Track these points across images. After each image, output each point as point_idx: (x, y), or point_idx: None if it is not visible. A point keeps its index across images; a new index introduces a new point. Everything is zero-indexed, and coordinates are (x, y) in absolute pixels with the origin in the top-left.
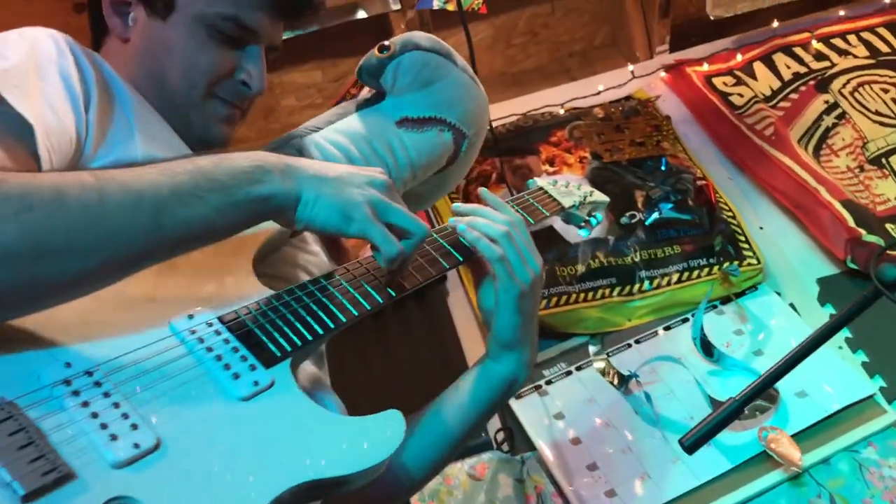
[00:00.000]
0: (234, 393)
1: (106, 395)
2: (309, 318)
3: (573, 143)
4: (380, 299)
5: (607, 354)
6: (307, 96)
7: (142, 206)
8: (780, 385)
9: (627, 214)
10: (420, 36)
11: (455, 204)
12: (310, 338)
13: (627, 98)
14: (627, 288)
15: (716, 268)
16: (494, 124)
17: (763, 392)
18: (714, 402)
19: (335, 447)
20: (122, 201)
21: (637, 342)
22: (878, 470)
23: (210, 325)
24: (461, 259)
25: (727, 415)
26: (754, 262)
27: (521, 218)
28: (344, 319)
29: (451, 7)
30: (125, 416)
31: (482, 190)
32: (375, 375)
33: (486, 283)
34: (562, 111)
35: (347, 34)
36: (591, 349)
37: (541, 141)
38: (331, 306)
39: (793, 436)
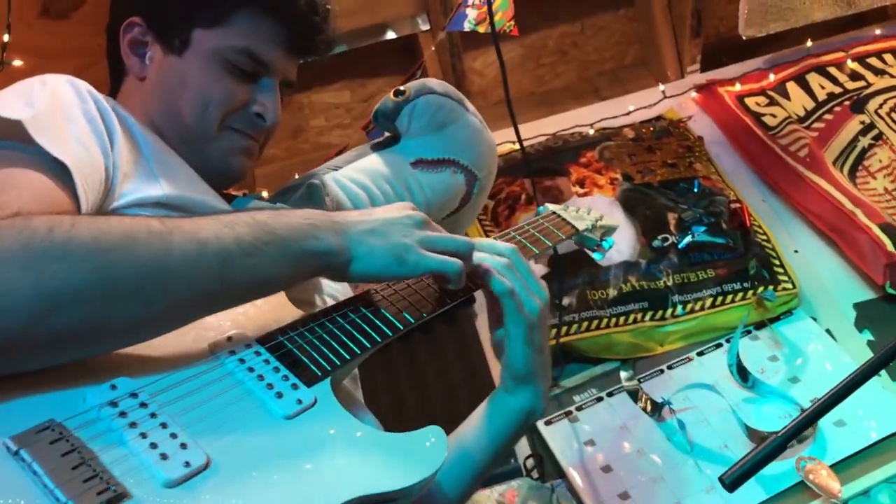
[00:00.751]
0: (279, 412)
1: (153, 415)
2: (345, 338)
3: (603, 164)
4: (412, 319)
5: (639, 380)
6: (336, 116)
7: (206, 255)
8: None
9: (660, 238)
10: (434, 82)
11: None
12: (348, 357)
13: (658, 118)
14: (660, 312)
15: (750, 292)
16: (524, 144)
17: (808, 427)
18: (750, 431)
19: (383, 462)
20: (188, 249)
21: (670, 368)
22: None
23: (249, 346)
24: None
25: (771, 450)
26: (789, 286)
27: (515, 247)
28: (379, 340)
29: (481, 29)
30: (174, 435)
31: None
32: (405, 398)
33: (497, 315)
34: (591, 131)
35: (376, 55)
36: (623, 375)
37: (570, 161)
38: (365, 327)
39: (832, 466)
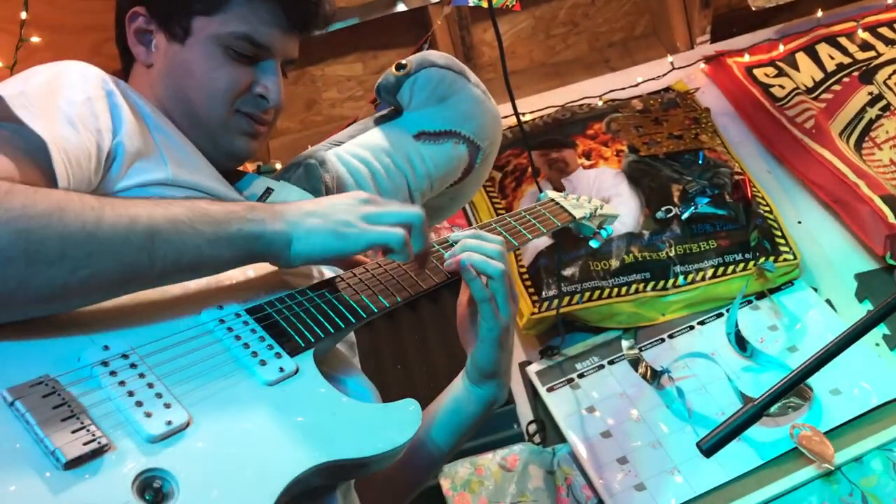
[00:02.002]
0: (261, 378)
1: (141, 375)
2: (331, 313)
3: (610, 136)
4: (398, 298)
5: (640, 349)
6: (348, 88)
7: (135, 229)
8: (814, 382)
9: (663, 209)
10: (435, 55)
11: (453, 234)
12: (332, 330)
13: (667, 89)
14: (661, 283)
15: (751, 263)
16: (532, 116)
17: (787, 393)
18: (745, 398)
19: (356, 431)
20: (118, 222)
21: (671, 337)
22: None
23: (238, 315)
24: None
25: (748, 417)
26: (790, 257)
27: (505, 250)
28: (365, 315)
29: (484, 4)
30: (159, 395)
31: (455, 236)
32: (386, 370)
33: (470, 311)
34: (600, 103)
35: (388, 27)
36: (625, 343)
37: (578, 134)
38: (351, 302)
39: (826, 433)
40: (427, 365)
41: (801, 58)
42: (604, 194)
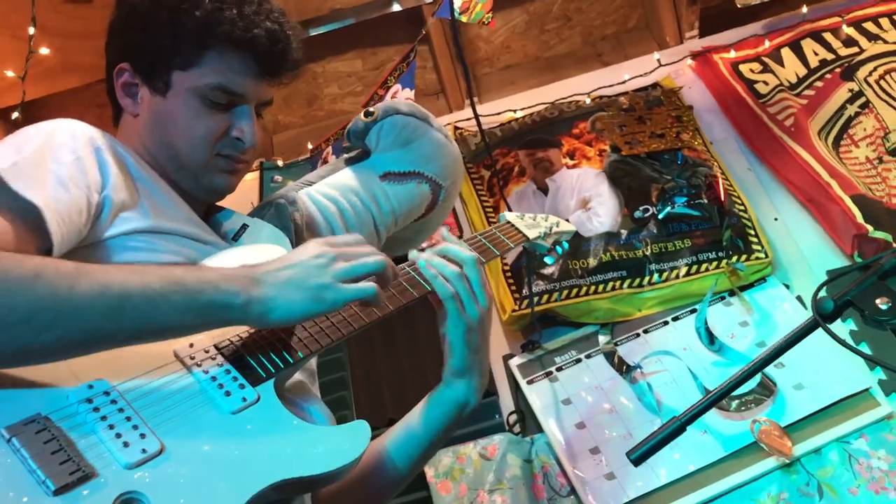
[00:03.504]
0: (226, 408)
1: (121, 410)
2: (292, 344)
3: (594, 136)
4: (354, 326)
5: (616, 343)
6: (348, 84)
7: (105, 297)
8: (779, 377)
9: (641, 209)
10: (400, 103)
11: (414, 252)
12: (291, 361)
13: (654, 86)
14: (637, 280)
15: (724, 262)
16: (522, 114)
17: (707, 411)
18: (707, 392)
19: (307, 452)
20: (90, 290)
21: (646, 332)
22: (867, 461)
23: (207, 351)
24: (428, 289)
25: (669, 433)
26: (762, 255)
27: (475, 256)
28: (322, 344)
29: (464, 18)
30: (135, 427)
31: (443, 230)
32: (378, 367)
33: (442, 316)
34: (588, 100)
35: (385, 25)
36: (601, 338)
37: (564, 133)
38: (311, 333)
39: (788, 426)
40: (416, 360)
41: (786, 53)
42: (585, 194)
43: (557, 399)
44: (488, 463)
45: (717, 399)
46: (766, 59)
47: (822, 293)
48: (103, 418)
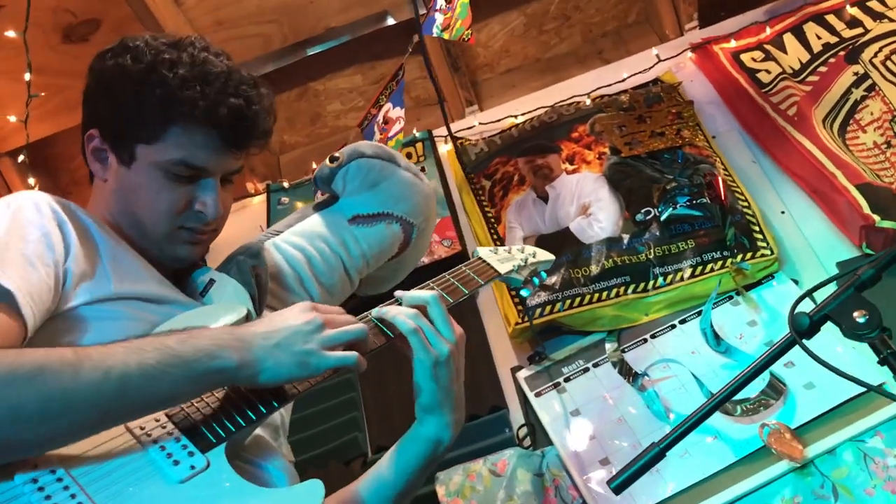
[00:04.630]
0: (174, 477)
1: (65, 488)
2: (244, 407)
3: (594, 139)
4: (309, 383)
5: (623, 350)
6: (350, 99)
7: (109, 380)
8: (788, 376)
9: (643, 211)
10: (365, 145)
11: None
12: (243, 424)
13: (655, 82)
14: (642, 285)
15: (729, 261)
16: (521, 119)
17: (686, 435)
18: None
19: None
20: (94, 377)
21: (653, 337)
22: (883, 459)
23: (157, 420)
24: (391, 336)
25: (648, 459)
26: (768, 252)
27: (436, 295)
28: (276, 405)
29: (446, 35)
30: None
31: (397, 293)
32: (391, 392)
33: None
34: (588, 101)
35: (381, 39)
36: (608, 346)
37: (563, 138)
38: (266, 393)
39: (799, 427)
40: None
41: (789, 39)
42: (584, 200)
43: (566, 410)
44: (498, 479)
45: (694, 423)
46: (767, 47)
47: (799, 309)
48: (47, 497)
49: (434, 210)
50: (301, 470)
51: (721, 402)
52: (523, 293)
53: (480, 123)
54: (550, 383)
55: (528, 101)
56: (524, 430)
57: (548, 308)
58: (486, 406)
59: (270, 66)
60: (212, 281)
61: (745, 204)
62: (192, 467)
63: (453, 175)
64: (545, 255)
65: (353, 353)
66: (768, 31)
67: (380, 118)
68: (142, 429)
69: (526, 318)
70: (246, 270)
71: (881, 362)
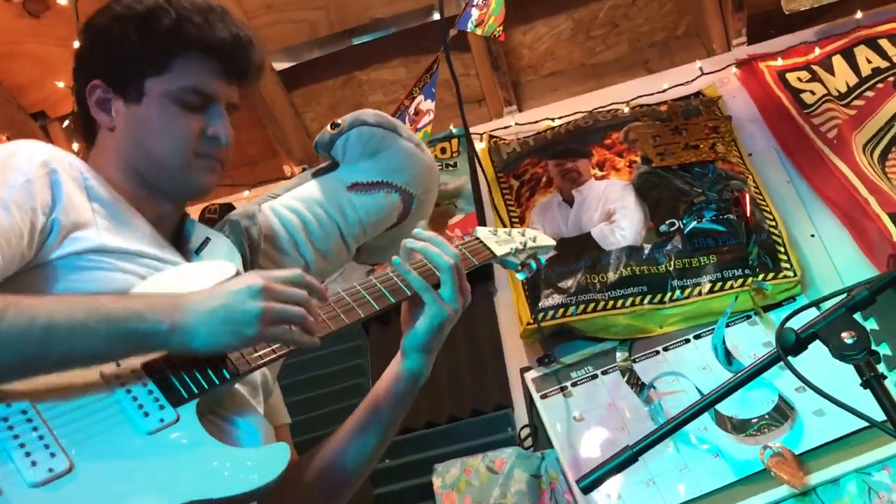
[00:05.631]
0: (143, 428)
1: (34, 429)
2: (220, 366)
3: (626, 146)
4: (275, 352)
5: (633, 360)
6: (392, 91)
7: (33, 327)
8: (798, 401)
9: (667, 222)
10: (368, 113)
11: (409, 240)
12: (217, 382)
13: (697, 94)
14: (658, 296)
15: (750, 279)
16: (557, 122)
17: (660, 441)
18: (718, 417)
19: (219, 474)
20: (16, 321)
21: (665, 349)
22: (889, 494)
23: (134, 371)
24: (393, 301)
25: (621, 462)
26: (791, 274)
27: (457, 255)
28: (251, 366)
29: (479, 31)
30: (46, 446)
31: (418, 231)
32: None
33: (415, 312)
34: (626, 109)
35: (425, 33)
36: (619, 355)
37: (595, 143)
38: (242, 355)
39: (804, 453)
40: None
41: (838, 61)
42: (609, 206)
43: (570, 414)
44: (495, 476)
45: (669, 431)
46: (815, 68)
47: (787, 325)
48: (15, 437)
49: (436, 182)
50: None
51: (694, 414)
52: (518, 277)
53: (517, 124)
54: (557, 386)
55: (567, 105)
56: (526, 431)
57: (560, 311)
58: (491, 403)
59: (317, 52)
60: (207, 240)
61: (773, 223)
62: (162, 420)
63: (485, 173)
64: (545, 241)
65: (288, 334)
66: (817, 51)
67: (412, 110)
68: (117, 378)
69: (538, 319)
70: (238, 230)
71: (864, 385)
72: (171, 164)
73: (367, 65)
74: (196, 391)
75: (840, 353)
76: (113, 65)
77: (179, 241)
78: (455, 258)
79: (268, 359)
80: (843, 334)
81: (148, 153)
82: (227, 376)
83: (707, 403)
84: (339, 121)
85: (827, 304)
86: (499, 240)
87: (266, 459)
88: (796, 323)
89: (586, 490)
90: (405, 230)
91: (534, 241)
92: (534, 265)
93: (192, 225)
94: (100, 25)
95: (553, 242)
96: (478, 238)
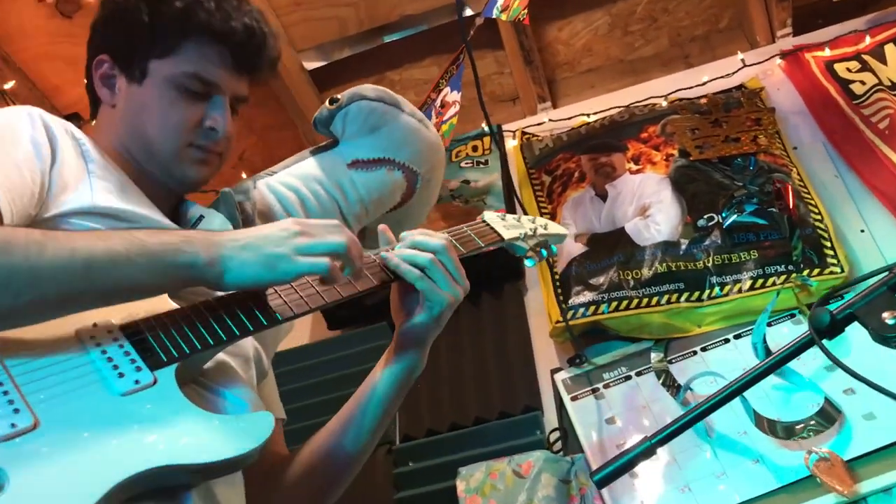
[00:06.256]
0: (116, 389)
1: (0, 384)
2: (203, 330)
3: (663, 140)
4: (278, 316)
5: (669, 361)
6: (424, 91)
7: (74, 260)
8: (847, 405)
9: (705, 217)
10: (367, 88)
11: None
12: (198, 346)
13: (739, 87)
14: (696, 294)
15: (793, 275)
16: (594, 118)
17: (681, 432)
18: (757, 417)
19: (195, 440)
20: (60, 254)
21: (704, 350)
22: None
23: (110, 331)
24: (392, 278)
25: (637, 454)
26: (837, 270)
27: (446, 242)
28: (237, 332)
29: (504, 16)
30: (11, 401)
31: (404, 233)
32: (439, 362)
33: (409, 300)
34: (664, 103)
35: (456, 31)
36: (654, 355)
37: (631, 137)
38: (227, 321)
39: (854, 459)
40: (477, 359)
41: (890, 50)
42: (644, 201)
43: (601, 417)
44: (521, 481)
45: (691, 420)
46: (865, 57)
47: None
48: None
49: (442, 161)
50: None
51: (720, 402)
52: (527, 263)
53: (551, 120)
54: (589, 388)
55: (603, 101)
56: (556, 434)
57: (592, 308)
58: (519, 405)
59: (347, 51)
60: (201, 216)
61: (818, 217)
62: (137, 382)
63: (517, 170)
64: (557, 229)
65: (325, 260)
66: (868, 40)
67: (438, 102)
68: (92, 338)
69: (568, 317)
70: (231, 202)
71: None
72: (162, 150)
73: (398, 64)
74: (176, 354)
75: (881, 335)
76: (121, 41)
77: (175, 220)
78: (438, 248)
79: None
80: (885, 315)
81: (141, 136)
82: (211, 342)
83: (734, 390)
84: (338, 96)
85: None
86: (507, 224)
87: (245, 428)
88: None
89: (601, 484)
90: (411, 211)
91: (545, 228)
92: (544, 252)
93: (187, 205)
94: (117, 0)
95: (566, 231)
96: (485, 221)
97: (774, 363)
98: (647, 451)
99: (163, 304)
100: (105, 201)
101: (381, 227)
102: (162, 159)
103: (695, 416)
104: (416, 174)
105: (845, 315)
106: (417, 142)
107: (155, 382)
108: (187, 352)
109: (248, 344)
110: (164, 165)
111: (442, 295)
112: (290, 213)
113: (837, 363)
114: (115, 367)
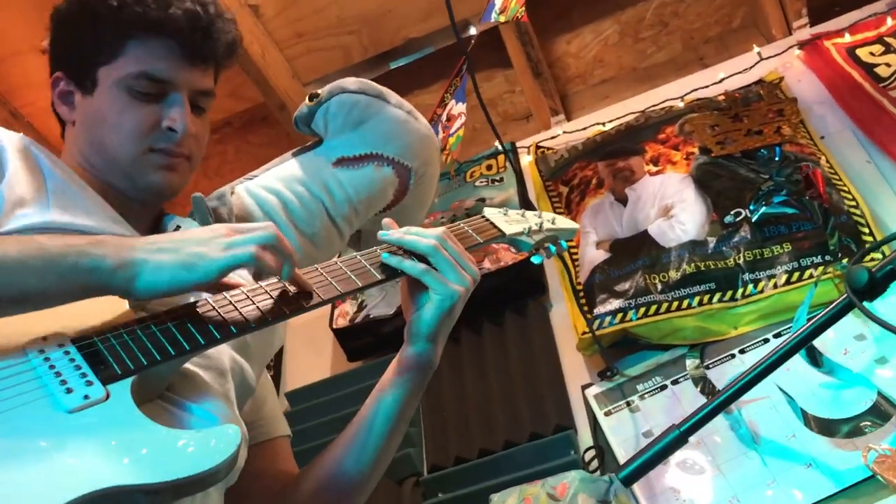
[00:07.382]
0: (63, 405)
1: None
2: (164, 340)
3: (682, 139)
4: (252, 324)
5: (706, 367)
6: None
7: None
8: None
9: (732, 213)
10: (349, 81)
11: (381, 232)
12: (158, 358)
13: (758, 82)
14: (729, 293)
15: (831, 266)
16: (609, 126)
17: (714, 416)
18: (806, 417)
19: (148, 458)
20: None
21: (742, 352)
22: None
23: (61, 345)
24: (381, 278)
25: (665, 445)
26: (879, 257)
27: (442, 233)
28: (203, 342)
29: (502, 18)
30: None
31: (383, 234)
32: (465, 385)
33: (417, 295)
34: (681, 104)
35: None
36: (689, 362)
37: (648, 139)
38: (192, 329)
39: None
40: (503, 380)
41: None
42: (667, 201)
43: (638, 431)
44: None
45: (722, 403)
46: (889, 39)
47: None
48: None
49: (436, 154)
50: None
51: (752, 380)
52: (534, 260)
53: (565, 132)
54: (623, 401)
55: (618, 109)
56: (591, 453)
57: (619, 316)
58: (550, 425)
59: None
60: (178, 227)
61: (853, 203)
62: (86, 397)
63: (533, 184)
64: (567, 223)
65: (250, 248)
66: (890, 22)
67: (444, 116)
68: (41, 352)
69: (595, 327)
70: (203, 207)
71: None
72: (121, 159)
73: (407, 90)
74: (132, 367)
75: None
76: (71, 55)
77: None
78: (438, 238)
79: (228, 330)
80: None
81: (101, 148)
82: (173, 352)
83: (767, 366)
84: (318, 91)
85: None
86: (509, 219)
87: (207, 444)
88: None
89: (627, 482)
90: (407, 210)
91: (552, 222)
92: (553, 248)
93: (167, 218)
94: (62, 12)
95: (576, 225)
96: (484, 217)
97: (809, 332)
98: (677, 439)
99: (122, 313)
100: (64, 218)
101: (386, 220)
102: (124, 169)
103: (727, 398)
104: (408, 169)
105: (885, 273)
106: (406, 134)
107: (107, 397)
108: (144, 363)
109: (223, 355)
110: (128, 175)
111: (451, 288)
112: (271, 216)
113: (880, 322)
114: (63, 381)
